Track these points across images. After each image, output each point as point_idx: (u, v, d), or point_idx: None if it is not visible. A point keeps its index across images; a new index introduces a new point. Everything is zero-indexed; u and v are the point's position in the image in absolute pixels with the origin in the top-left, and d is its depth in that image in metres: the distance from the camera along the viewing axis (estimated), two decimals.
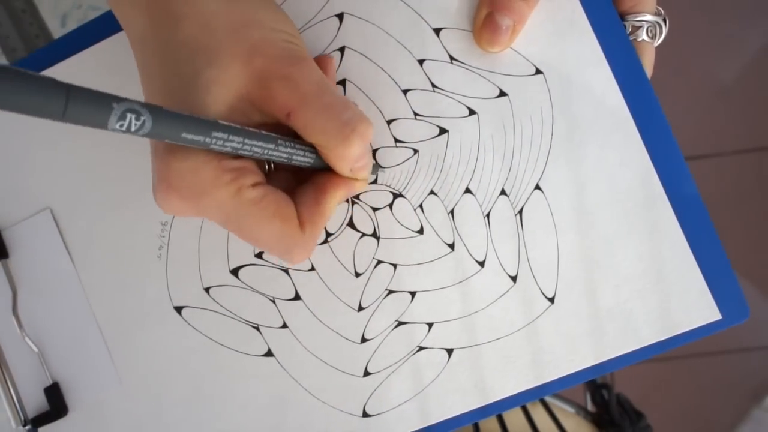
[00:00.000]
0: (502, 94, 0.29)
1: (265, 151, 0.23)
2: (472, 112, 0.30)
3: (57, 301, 0.33)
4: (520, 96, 0.29)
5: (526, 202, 0.29)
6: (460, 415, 0.30)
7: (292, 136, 0.25)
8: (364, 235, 0.30)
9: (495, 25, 0.28)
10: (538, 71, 0.29)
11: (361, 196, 0.31)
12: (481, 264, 0.30)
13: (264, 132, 0.23)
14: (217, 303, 0.31)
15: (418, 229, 0.30)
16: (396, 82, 0.30)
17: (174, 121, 0.19)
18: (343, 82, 0.31)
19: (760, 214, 1.10)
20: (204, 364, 0.31)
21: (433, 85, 0.30)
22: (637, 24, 0.30)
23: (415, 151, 0.30)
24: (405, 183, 0.30)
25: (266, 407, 0.31)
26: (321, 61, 0.27)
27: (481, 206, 0.30)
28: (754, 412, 1.15)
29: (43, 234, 0.33)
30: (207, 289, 0.31)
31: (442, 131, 0.30)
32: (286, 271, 0.31)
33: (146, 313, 0.32)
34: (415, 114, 0.30)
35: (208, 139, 0.21)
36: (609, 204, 0.29)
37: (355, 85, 0.31)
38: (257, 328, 0.31)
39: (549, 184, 0.29)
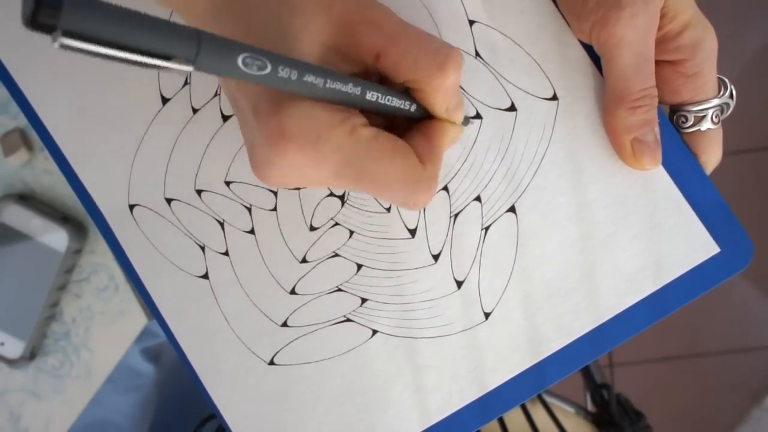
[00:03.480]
0: (512, 108, 0.29)
1: (374, 96, 0.22)
2: (478, 115, 0.29)
3: None
4: (527, 115, 0.28)
5: (495, 221, 0.29)
6: (462, 414, 0.29)
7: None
8: (332, 194, 0.30)
9: (644, 146, 0.26)
10: (554, 97, 0.28)
11: None
12: (435, 258, 0.29)
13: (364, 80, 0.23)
14: (172, 212, 0.31)
15: (387, 207, 0.30)
16: None
17: (295, 66, 0.19)
18: None
19: (760, 214, 1.10)
20: (141, 263, 0.31)
21: None
22: (701, 114, 0.27)
23: None
24: None
25: (188, 327, 0.31)
26: None
27: (451, 205, 0.29)
28: (754, 412, 1.15)
29: None
30: (168, 200, 0.31)
31: None
32: (249, 208, 0.30)
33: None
34: None
35: (324, 82, 0.20)
36: (582, 242, 0.28)
37: None
38: (202, 248, 0.31)
39: (523, 210, 0.29)
